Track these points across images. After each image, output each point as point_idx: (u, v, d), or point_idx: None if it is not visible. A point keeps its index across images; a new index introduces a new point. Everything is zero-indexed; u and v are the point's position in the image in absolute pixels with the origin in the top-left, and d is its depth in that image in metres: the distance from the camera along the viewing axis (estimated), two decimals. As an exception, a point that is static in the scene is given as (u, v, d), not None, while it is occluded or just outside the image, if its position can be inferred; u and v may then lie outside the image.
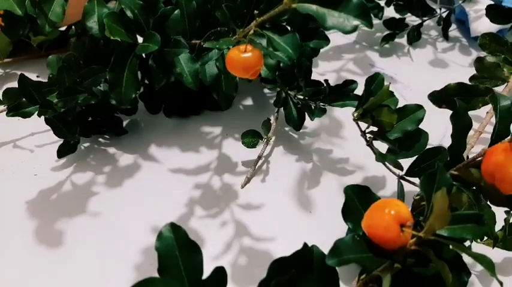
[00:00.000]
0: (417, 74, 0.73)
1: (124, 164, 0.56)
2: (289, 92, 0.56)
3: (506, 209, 0.43)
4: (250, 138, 0.54)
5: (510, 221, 0.42)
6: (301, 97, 0.55)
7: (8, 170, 0.55)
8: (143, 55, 0.46)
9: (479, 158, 0.37)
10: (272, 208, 0.51)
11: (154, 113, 0.59)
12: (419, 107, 0.46)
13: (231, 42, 0.37)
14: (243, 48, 0.36)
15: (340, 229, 0.40)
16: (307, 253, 0.30)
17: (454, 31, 0.83)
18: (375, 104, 0.44)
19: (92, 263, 0.45)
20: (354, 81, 0.52)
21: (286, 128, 0.61)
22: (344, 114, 0.63)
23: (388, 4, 0.77)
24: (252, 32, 0.37)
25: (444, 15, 0.79)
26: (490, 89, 0.54)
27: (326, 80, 0.50)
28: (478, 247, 0.45)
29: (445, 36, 0.80)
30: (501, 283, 0.28)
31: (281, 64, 0.56)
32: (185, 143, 0.59)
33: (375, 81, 0.46)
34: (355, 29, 0.33)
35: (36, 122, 0.56)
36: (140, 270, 0.45)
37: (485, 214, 0.33)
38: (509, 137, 0.34)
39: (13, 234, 0.48)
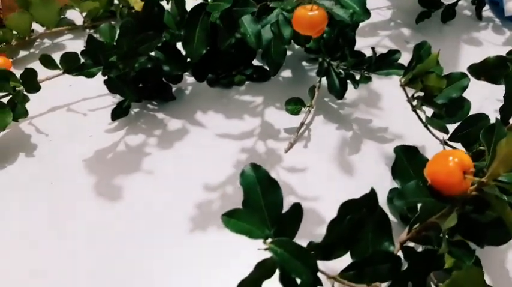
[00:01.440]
0: (451, 51, 0.74)
1: (173, 129, 0.59)
2: (331, 62, 0.58)
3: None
4: (293, 105, 0.56)
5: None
6: (344, 67, 0.57)
7: (63, 132, 0.58)
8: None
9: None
10: (315, 171, 0.54)
11: (201, 80, 0.62)
12: (463, 75, 0.48)
13: (293, 3, 0.39)
14: (310, 7, 0.38)
15: (380, 190, 0.42)
16: (373, 196, 0.33)
17: (487, 11, 0.84)
18: (423, 70, 0.46)
19: (148, 215, 0.48)
20: (397, 51, 0.53)
21: (326, 99, 0.63)
22: (381, 86, 0.65)
23: (423, -17, 0.78)
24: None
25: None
26: (528, 63, 0.56)
27: (373, 48, 0.52)
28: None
29: (479, 16, 0.81)
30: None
31: (324, 35, 0.58)
32: (229, 111, 0.61)
33: (423, 48, 0.48)
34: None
35: (86, 87, 0.59)
36: (194, 221, 0.48)
37: None
38: None
39: (72, 189, 0.51)
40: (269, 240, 0.29)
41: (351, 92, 0.63)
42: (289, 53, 0.71)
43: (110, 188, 0.51)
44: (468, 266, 0.38)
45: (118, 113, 0.56)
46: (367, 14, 0.39)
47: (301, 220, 0.30)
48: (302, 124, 0.57)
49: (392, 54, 0.53)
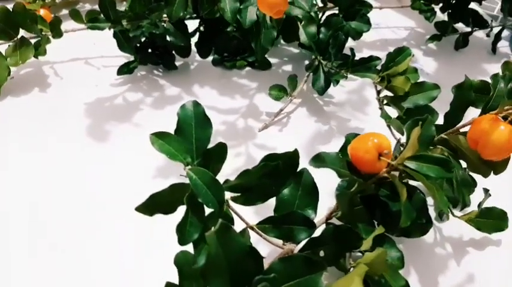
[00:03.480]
0: (455, 77, 0.75)
1: (169, 94, 0.65)
2: (322, 61, 0.62)
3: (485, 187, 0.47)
4: (277, 91, 0.61)
5: (484, 200, 0.46)
6: (330, 66, 0.61)
7: (75, 78, 0.67)
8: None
9: (468, 126, 0.42)
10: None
11: (204, 57, 0.68)
12: (436, 87, 0.51)
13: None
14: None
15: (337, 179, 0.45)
16: (294, 157, 0.37)
17: (505, 48, 0.84)
18: (395, 72, 0.50)
19: (127, 160, 0.55)
20: (378, 58, 0.57)
21: (315, 95, 0.67)
22: (374, 94, 0.68)
23: (442, 10, 0.81)
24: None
25: (497, 30, 0.81)
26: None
27: (352, 49, 0.56)
28: (455, 222, 0.49)
29: (493, 50, 0.82)
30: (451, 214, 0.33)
31: (321, 35, 0.62)
32: (224, 89, 0.67)
33: (402, 53, 0.52)
34: None
35: (107, 47, 0.67)
36: (167, 170, 0.53)
37: (454, 167, 0.38)
38: (496, 110, 0.39)
39: (71, 127, 0.59)
40: (188, 167, 0.34)
41: (341, 93, 0.67)
42: (295, 50, 0.76)
43: (99, 131, 0.58)
44: (379, 249, 0.41)
45: (123, 70, 0.63)
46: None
47: (225, 158, 0.35)
48: (281, 110, 0.62)
49: (373, 60, 0.57)
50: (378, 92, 0.51)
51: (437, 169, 0.36)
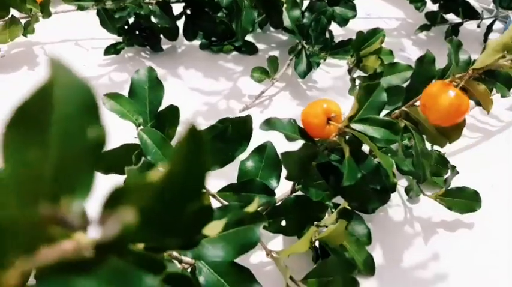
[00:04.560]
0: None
1: (154, 75, 0.66)
2: (304, 45, 0.63)
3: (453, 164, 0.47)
4: (259, 73, 0.62)
5: (451, 177, 0.46)
6: (311, 50, 0.61)
7: (65, 59, 0.68)
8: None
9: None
10: (260, 132, 0.59)
11: (190, 40, 0.69)
12: (409, 68, 0.51)
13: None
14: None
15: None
16: (247, 122, 0.38)
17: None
18: (367, 52, 0.51)
19: (111, 135, 0.56)
20: (358, 40, 0.57)
21: (299, 80, 0.68)
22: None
23: (434, 1, 0.81)
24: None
25: (488, 22, 0.81)
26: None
27: (330, 31, 0.57)
28: (429, 204, 0.49)
29: (485, 42, 0.81)
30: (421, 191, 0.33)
31: (305, 20, 0.63)
32: (209, 71, 0.68)
33: (375, 35, 0.52)
34: None
35: (98, 30, 0.69)
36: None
37: (401, 132, 0.37)
38: (449, 79, 0.39)
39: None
40: (140, 127, 0.35)
41: (326, 79, 0.68)
42: (284, 37, 0.77)
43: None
44: (340, 220, 0.41)
45: (110, 50, 0.65)
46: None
47: (178, 122, 0.36)
48: (263, 92, 0.62)
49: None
50: (349, 71, 0.52)
51: (383, 131, 0.36)
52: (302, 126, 0.38)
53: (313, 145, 0.37)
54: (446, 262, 0.45)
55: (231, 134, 0.36)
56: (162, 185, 0.12)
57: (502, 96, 0.40)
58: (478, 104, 0.38)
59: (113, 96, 0.35)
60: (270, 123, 0.37)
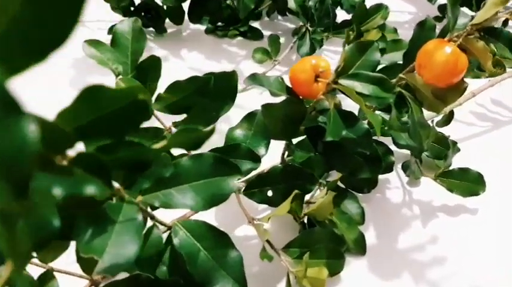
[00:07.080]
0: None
1: (158, 55, 0.66)
2: (309, 28, 0.62)
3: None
4: (261, 54, 0.61)
5: (451, 153, 0.44)
6: (315, 32, 0.60)
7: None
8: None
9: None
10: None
11: (194, 22, 0.69)
12: (413, 47, 0.49)
13: None
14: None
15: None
16: (231, 77, 0.36)
17: None
18: (369, 27, 0.49)
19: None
20: (362, 20, 0.56)
21: (303, 65, 0.66)
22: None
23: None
24: None
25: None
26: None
27: (333, 9, 0.55)
28: (429, 187, 0.46)
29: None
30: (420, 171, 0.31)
31: (310, 2, 0.62)
32: (212, 54, 0.67)
33: (379, 11, 0.51)
34: None
35: (107, 12, 0.69)
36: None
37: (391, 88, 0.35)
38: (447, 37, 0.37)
39: (56, 78, 0.60)
40: (119, 77, 0.34)
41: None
42: (291, 25, 0.76)
43: (83, 83, 0.59)
44: (329, 192, 0.39)
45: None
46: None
47: (159, 75, 0.35)
48: (264, 73, 0.61)
49: (357, 21, 0.56)
50: (344, 46, 0.50)
51: (373, 87, 0.34)
52: (290, 85, 0.37)
53: (299, 101, 0.35)
54: (444, 246, 0.42)
55: (215, 90, 0.34)
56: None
57: (502, 57, 0.38)
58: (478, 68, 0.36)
59: (93, 43, 0.34)
60: (255, 79, 0.36)
